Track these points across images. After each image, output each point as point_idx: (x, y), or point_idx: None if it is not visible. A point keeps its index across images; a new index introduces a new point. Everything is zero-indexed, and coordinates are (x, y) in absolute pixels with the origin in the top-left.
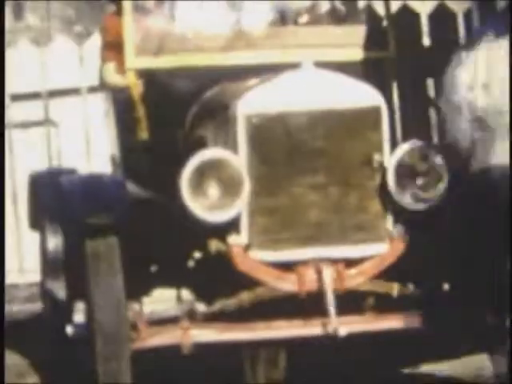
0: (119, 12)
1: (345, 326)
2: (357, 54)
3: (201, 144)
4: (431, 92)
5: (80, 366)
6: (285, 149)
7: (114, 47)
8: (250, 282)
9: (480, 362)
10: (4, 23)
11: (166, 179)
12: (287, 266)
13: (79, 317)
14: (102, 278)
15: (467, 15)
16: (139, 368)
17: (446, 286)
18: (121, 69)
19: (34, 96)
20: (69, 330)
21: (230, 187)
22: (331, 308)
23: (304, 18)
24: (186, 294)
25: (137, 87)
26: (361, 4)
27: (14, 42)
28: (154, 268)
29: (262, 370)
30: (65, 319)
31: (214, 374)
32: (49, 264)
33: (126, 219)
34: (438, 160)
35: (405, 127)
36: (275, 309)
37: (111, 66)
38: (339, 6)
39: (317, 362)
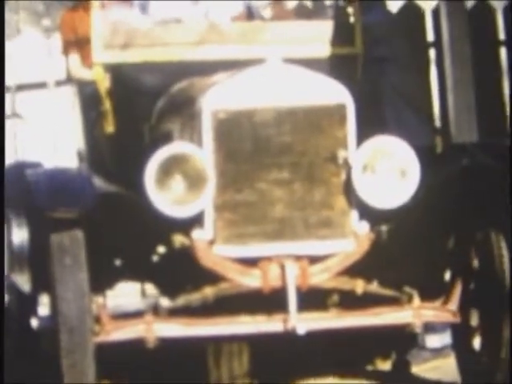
0: (78, 7)
1: (307, 322)
2: (324, 50)
3: (167, 138)
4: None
5: (45, 357)
6: (250, 144)
7: (75, 42)
8: (214, 277)
9: None
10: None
11: (131, 173)
12: (251, 262)
13: (44, 309)
14: (67, 271)
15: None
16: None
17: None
18: (85, 62)
19: None
20: (34, 322)
21: (195, 182)
22: (292, 305)
23: (269, 12)
24: (150, 288)
25: (104, 81)
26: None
27: None
28: (118, 262)
29: (225, 364)
30: (30, 312)
31: (178, 368)
32: (14, 257)
33: (91, 213)
34: (404, 157)
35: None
36: (240, 304)
37: (77, 60)
38: (306, 1)
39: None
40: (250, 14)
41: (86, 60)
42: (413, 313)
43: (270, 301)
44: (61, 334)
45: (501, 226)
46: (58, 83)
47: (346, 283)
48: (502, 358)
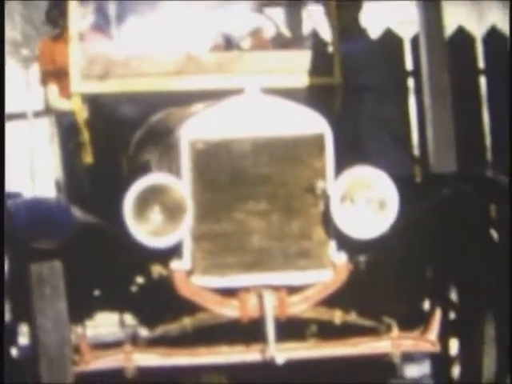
0: (58, 37)
1: (285, 352)
2: (302, 80)
3: (145, 169)
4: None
5: None
6: (228, 175)
7: (53, 73)
8: (192, 307)
9: None
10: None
11: (109, 204)
12: (230, 292)
13: (24, 339)
14: (46, 302)
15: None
16: None
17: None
18: (63, 93)
19: None
20: (14, 352)
21: (173, 212)
22: (270, 335)
23: (247, 43)
24: (129, 318)
25: (82, 112)
26: (306, 29)
27: None
28: (97, 292)
29: None
30: (10, 341)
31: None
32: None
33: (70, 243)
34: (382, 187)
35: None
36: (218, 334)
37: (55, 91)
38: (284, 31)
39: None
40: (229, 45)
41: (65, 91)
42: (391, 343)
43: (249, 331)
44: (40, 364)
45: (480, 255)
46: (37, 114)
47: (324, 313)
48: None
